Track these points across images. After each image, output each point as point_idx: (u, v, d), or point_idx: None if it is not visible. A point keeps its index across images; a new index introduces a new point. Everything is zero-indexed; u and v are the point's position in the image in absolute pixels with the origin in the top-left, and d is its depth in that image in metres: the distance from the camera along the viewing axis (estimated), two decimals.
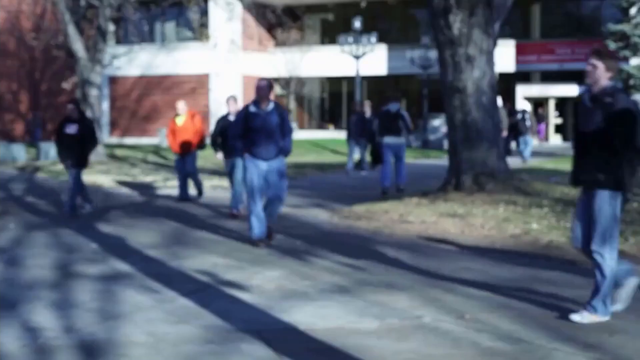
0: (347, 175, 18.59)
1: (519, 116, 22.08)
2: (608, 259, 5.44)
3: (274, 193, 8.81)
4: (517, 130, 21.86)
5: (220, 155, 11.84)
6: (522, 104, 21.95)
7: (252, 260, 7.86)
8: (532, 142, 21.92)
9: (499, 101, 24.19)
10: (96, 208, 12.09)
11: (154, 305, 6.08)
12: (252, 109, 8.76)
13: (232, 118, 10.94)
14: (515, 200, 11.26)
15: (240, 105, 10.82)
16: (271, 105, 8.75)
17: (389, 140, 13.95)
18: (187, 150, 13.18)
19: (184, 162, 13.23)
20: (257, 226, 8.72)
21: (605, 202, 5.41)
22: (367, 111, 19.88)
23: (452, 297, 6.26)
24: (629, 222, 9.72)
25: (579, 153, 5.56)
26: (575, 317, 5.53)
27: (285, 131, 8.86)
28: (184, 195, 13.30)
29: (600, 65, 5.44)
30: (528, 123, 21.95)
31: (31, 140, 32.12)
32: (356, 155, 19.62)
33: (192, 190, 13.52)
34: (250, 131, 8.70)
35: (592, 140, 5.40)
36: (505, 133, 22.51)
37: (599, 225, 5.43)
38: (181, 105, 13.42)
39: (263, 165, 8.68)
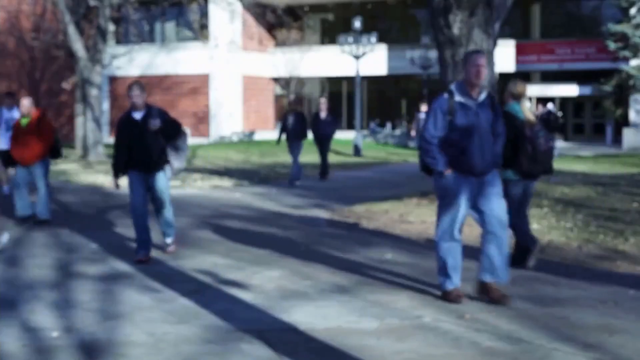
0: (291, 185, 15.94)
1: (545, 116, 24.17)
2: None
3: (493, 229, 5.97)
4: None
5: (119, 182, 8.23)
6: (549, 105, 24.53)
7: (252, 260, 7.86)
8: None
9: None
10: None
11: (154, 305, 6.08)
12: (459, 97, 5.92)
13: (137, 116, 7.93)
14: None
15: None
16: (484, 94, 6.00)
17: None
18: (31, 160, 10.31)
19: (29, 174, 10.41)
20: (451, 270, 6.09)
21: None
22: (323, 110, 17.42)
23: None
24: (628, 222, 9.72)
25: None
26: None
27: (498, 132, 6.11)
28: (22, 212, 10.32)
29: None
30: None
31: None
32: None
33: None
34: (454, 132, 5.89)
35: None
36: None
37: None
38: (26, 103, 10.41)
39: (473, 183, 5.97)
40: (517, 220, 7.12)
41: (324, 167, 17.37)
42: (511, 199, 6.97)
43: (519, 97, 7.08)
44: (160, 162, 7.93)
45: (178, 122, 8.08)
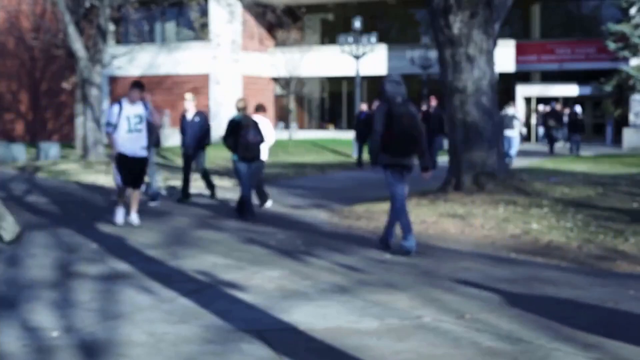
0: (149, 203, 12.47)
1: (573, 117, 26.75)
2: None
3: None
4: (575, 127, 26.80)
5: None
6: (576, 107, 27.44)
7: (252, 260, 7.86)
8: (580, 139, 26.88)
9: (544, 107, 28.22)
10: None
11: (154, 305, 6.08)
12: None
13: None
14: (515, 200, 11.25)
15: None
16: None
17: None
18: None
19: None
20: None
21: None
22: (190, 110, 12.83)
23: (452, 297, 6.26)
24: (628, 222, 9.72)
25: None
26: None
27: None
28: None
29: None
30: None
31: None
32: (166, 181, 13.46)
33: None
34: None
35: None
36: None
37: None
38: None
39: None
40: (255, 185, 11.48)
41: (210, 186, 13.28)
42: (239, 173, 10.97)
43: (240, 109, 10.97)
44: None
45: None
